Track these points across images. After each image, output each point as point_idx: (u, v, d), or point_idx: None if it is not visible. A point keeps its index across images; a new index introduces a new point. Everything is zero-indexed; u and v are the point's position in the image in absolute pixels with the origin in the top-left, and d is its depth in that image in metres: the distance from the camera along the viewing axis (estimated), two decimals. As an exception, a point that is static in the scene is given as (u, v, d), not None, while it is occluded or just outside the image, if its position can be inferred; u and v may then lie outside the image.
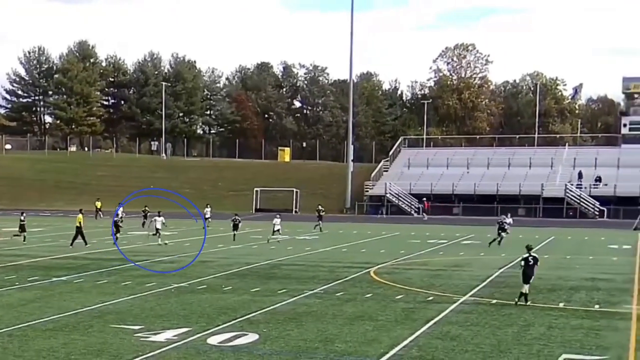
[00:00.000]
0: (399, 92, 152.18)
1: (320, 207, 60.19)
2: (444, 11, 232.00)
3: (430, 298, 26.12)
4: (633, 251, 44.76)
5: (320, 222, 58.51)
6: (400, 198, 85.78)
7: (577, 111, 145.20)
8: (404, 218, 78.83)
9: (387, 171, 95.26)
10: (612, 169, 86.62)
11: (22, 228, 46.63)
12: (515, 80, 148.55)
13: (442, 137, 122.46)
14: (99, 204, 72.72)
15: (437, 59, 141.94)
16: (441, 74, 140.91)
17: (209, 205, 62.70)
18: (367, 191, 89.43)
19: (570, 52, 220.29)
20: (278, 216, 49.74)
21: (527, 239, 50.82)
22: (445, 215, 77.91)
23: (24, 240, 45.63)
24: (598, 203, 79.46)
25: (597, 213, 78.75)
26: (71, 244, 42.94)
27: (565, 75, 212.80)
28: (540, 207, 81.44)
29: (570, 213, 79.61)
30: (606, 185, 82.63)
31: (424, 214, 78.79)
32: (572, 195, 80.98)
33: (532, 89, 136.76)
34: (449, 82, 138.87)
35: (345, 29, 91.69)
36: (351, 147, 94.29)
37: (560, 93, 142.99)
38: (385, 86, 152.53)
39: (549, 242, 50.58)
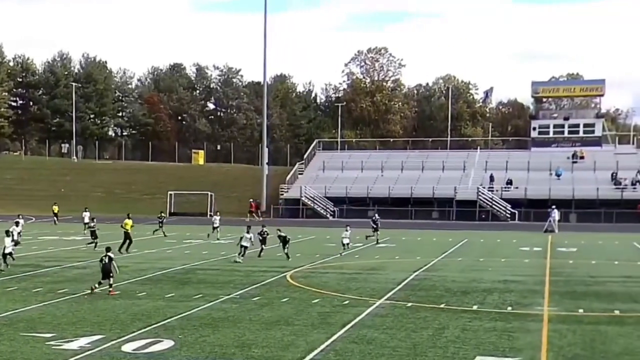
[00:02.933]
0: (313, 94, 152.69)
1: (162, 214, 59.43)
2: (358, 15, 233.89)
3: (347, 302, 26.28)
4: (544, 253, 45.65)
5: (161, 227, 55.83)
6: (315, 201, 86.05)
7: (488, 115, 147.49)
8: (320, 221, 79.08)
9: (302, 174, 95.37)
10: (523, 172, 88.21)
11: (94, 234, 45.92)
12: (428, 84, 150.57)
13: (356, 140, 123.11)
14: (56, 209, 70.63)
15: (350, 62, 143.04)
16: (354, 77, 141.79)
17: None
18: (283, 194, 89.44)
19: (482, 57, 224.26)
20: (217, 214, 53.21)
21: (441, 241, 52.09)
22: (360, 218, 78.42)
23: (95, 247, 43.97)
24: (509, 206, 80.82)
25: (508, 215, 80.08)
26: None
27: (476, 79, 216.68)
28: (453, 210, 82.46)
29: (483, 216, 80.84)
30: (517, 188, 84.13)
31: (255, 215, 79.27)
32: (484, 198, 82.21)
33: (444, 92, 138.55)
34: (362, 85, 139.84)
35: (259, 30, 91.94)
36: (266, 150, 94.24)
37: (471, 97, 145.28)
38: (300, 89, 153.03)
39: (462, 244, 51.27)
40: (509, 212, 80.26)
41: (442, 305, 25.71)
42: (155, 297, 26.91)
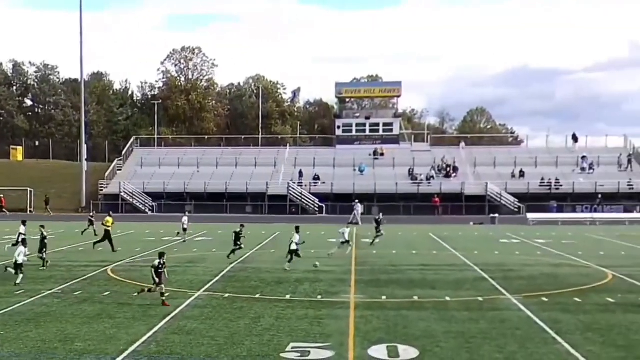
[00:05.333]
0: (130, 92, 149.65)
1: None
2: (173, 15, 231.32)
3: (167, 294, 26.15)
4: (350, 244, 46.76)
5: None
6: (134, 197, 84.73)
7: (296, 114, 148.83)
8: (139, 216, 78.01)
9: (120, 170, 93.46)
10: (329, 168, 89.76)
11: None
12: (239, 84, 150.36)
13: (172, 137, 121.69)
14: None
15: (165, 60, 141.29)
16: (170, 76, 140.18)
17: None
18: (102, 190, 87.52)
19: (289, 59, 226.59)
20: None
21: (255, 234, 52.38)
22: (178, 213, 77.71)
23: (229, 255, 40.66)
24: (317, 200, 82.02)
25: (317, 209, 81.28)
26: None
27: (285, 79, 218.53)
28: (265, 205, 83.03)
29: (293, 210, 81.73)
30: (324, 183, 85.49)
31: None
32: (294, 193, 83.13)
33: (255, 92, 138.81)
34: (177, 84, 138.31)
35: (77, 28, 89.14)
36: (84, 146, 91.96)
37: (280, 96, 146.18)
38: (117, 86, 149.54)
39: (275, 237, 51.84)
40: (317, 206, 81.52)
41: (257, 296, 26.00)
42: (-25, 294, 25.89)
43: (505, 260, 36.79)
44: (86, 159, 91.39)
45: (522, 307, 23.66)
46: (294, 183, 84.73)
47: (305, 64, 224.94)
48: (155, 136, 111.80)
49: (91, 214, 55.67)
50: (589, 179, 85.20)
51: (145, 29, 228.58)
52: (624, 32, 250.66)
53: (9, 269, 29.81)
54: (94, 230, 51.21)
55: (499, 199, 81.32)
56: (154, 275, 24.53)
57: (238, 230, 38.67)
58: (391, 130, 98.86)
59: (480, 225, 68.37)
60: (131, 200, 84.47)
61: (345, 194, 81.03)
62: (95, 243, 42.74)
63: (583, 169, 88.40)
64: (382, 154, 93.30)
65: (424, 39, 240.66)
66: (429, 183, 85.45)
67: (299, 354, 17.57)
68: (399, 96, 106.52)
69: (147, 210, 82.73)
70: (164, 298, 24.01)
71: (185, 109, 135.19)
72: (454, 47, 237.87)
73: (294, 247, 34.19)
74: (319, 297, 25.95)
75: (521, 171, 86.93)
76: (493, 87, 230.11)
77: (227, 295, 26.21)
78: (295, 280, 29.92)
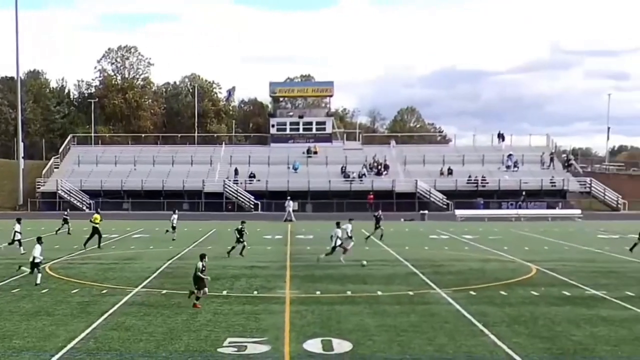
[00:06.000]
0: (66, 90, 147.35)
1: None
2: (109, 14, 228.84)
3: (105, 291, 25.90)
4: (284, 240, 46.81)
5: None
6: (72, 194, 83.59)
7: (231, 112, 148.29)
8: (76, 214, 76.84)
9: (57, 168, 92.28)
10: (264, 166, 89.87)
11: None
12: (175, 82, 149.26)
13: (109, 135, 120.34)
14: None
15: (101, 59, 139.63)
16: (106, 74, 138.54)
17: None
18: (39, 188, 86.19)
19: (224, 58, 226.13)
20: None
21: (192, 231, 52.11)
22: (116, 210, 76.92)
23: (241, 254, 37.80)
24: (253, 197, 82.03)
25: (252, 206, 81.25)
26: None
27: (220, 79, 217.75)
28: (202, 202, 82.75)
29: (229, 207, 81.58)
30: (259, 181, 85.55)
31: None
32: (230, 190, 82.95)
33: (190, 91, 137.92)
34: (114, 83, 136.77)
35: (12, 26, 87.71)
36: (21, 145, 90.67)
37: (216, 95, 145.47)
38: (53, 84, 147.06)
39: (212, 233, 51.61)
40: (253, 203, 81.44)
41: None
42: None
43: (435, 256, 37.18)
44: (23, 157, 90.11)
45: (451, 301, 23.95)
46: (230, 181, 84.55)
47: (239, 64, 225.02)
48: (92, 134, 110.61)
49: (65, 213, 54.65)
50: (513, 177, 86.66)
51: (82, 27, 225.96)
52: (545, 34, 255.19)
53: (22, 267, 29.14)
54: (68, 229, 50.65)
55: (428, 196, 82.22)
56: (195, 279, 23.45)
57: (240, 227, 38.17)
58: (324, 129, 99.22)
59: (410, 221, 68.92)
60: (68, 198, 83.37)
61: (280, 191, 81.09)
62: (84, 243, 41.96)
63: (508, 167, 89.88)
64: (315, 152, 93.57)
65: (355, 40, 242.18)
66: (361, 181, 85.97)
67: (236, 349, 17.53)
68: (331, 96, 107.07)
69: (84, 207, 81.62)
70: (197, 302, 23.16)
71: (122, 108, 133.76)
72: (385, 48, 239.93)
73: (338, 242, 34.75)
74: (255, 292, 25.92)
75: (449, 169, 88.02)
76: (422, 87, 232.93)
77: (164, 291, 26.02)
78: (232, 276, 29.83)
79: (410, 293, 25.77)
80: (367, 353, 17.23)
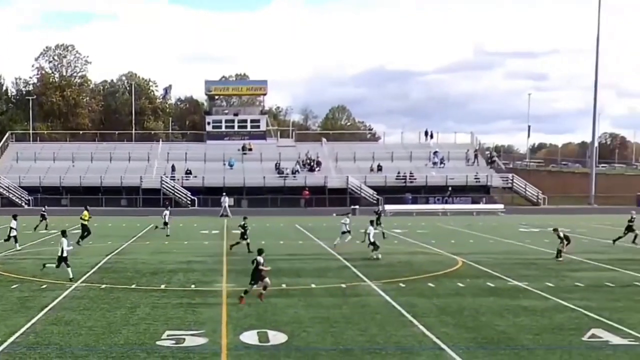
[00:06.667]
0: (4, 87, 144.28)
1: None
2: (47, 12, 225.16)
3: (45, 286, 25.54)
4: (221, 235, 46.64)
5: None
6: (10, 191, 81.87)
7: (168, 110, 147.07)
8: (15, 210, 75.34)
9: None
10: (200, 163, 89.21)
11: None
12: (113, 80, 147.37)
13: (48, 132, 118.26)
14: None
15: (39, 57, 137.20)
16: (44, 72, 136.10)
17: None
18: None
19: (160, 57, 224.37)
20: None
21: (131, 227, 51.58)
22: (55, 206, 75.52)
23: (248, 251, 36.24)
24: (189, 193, 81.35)
25: (189, 202, 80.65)
26: None
27: (156, 77, 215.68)
28: (140, 198, 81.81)
29: (167, 203, 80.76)
30: (196, 177, 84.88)
31: None
32: (167, 187, 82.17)
33: (128, 88, 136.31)
34: (51, 80, 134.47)
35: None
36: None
37: (153, 93, 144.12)
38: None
39: (150, 229, 51.11)
40: (190, 199, 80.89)
41: (133, 286, 25.68)
42: None
43: (365, 249, 37.38)
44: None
45: (382, 293, 24.18)
46: (167, 177, 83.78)
47: (176, 63, 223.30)
48: (31, 131, 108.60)
49: (43, 209, 53.42)
50: (440, 173, 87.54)
51: (19, 26, 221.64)
52: (469, 37, 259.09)
53: (47, 265, 28.63)
54: (46, 225, 49.86)
55: (359, 192, 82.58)
56: (254, 274, 22.80)
57: (243, 223, 37.76)
58: (258, 126, 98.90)
59: (341, 216, 68.91)
60: (7, 194, 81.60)
61: (216, 187, 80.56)
62: (78, 241, 41.04)
63: (435, 164, 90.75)
64: (250, 149, 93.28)
65: (289, 40, 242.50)
66: (295, 177, 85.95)
67: (174, 342, 17.48)
68: (265, 94, 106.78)
69: (23, 204, 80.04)
70: (263, 292, 22.73)
71: (60, 105, 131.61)
72: (317, 49, 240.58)
73: (371, 238, 34.33)
74: (193, 286, 25.83)
75: (379, 165, 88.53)
76: (353, 86, 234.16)
77: (104, 286, 25.78)
78: (170, 271, 29.68)
79: (343, 285, 25.94)
80: (302, 344, 17.32)
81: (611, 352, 16.53)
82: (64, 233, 28.29)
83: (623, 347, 16.96)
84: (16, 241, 37.59)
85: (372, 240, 34.49)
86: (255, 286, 22.71)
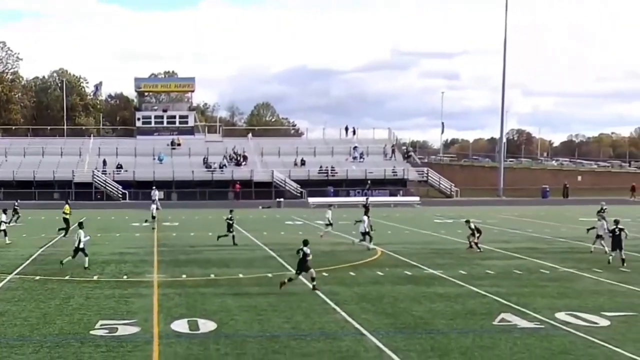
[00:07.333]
0: None
1: None
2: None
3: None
4: (153, 227, 46.13)
5: None
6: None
7: (99, 106, 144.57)
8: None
9: None
10: (131, 157, 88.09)
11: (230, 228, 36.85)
12: (44, 77, 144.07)
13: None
14: None
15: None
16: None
17: None
18: None
19: (91, 54, 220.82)
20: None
21: (72, 219, 50.39)
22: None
23: (234, 243, 35.94)
24: (121, 187, 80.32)
25: (120, 196, 79.59)
26: None
27: (87, 74, 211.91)
28: (72, 192, 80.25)
29: (99, 196, 79.61)
30: (126, 171, 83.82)
31: None
32: (99, 181, 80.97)
33: (59, 85, 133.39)
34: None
35: None
36: None
37: (84, 90, 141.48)
38: None
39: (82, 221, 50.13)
40: (121, 192, 79.82)
41: (67, 277, 25.27)
42: None
43: (290, 240, 37.46)
44: None
45: (306, 282, 24.24)
46: (99, 171, 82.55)
47: (106, 60, 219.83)
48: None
49: (16, 203, 51.42)
50: (360, 167, 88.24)
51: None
52: (386, 37, 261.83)
53: (64, 261, 27.77)
54: (17, 218, 48.22)
55: (283, 185, 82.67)
56: (300, 264, 22.55)
57: (229, 215, 37.14)
58: (187, 122, 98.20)
59: (268, 208, 69.17)
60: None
61: (146, 181, 79.76)
62: (64, 234, 40.20)
63: (355, 158, 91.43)
64: (179, 144, 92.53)
65: (215, 38, 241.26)
66: (222, 171, 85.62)
67: (108, 331, 17.30)
68: (192, 91, 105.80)
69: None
70: (287, 282, 22.52)
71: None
72: (243, 47, 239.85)
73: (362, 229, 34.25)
74: (125, 277, 25.57)
75: (302, 160, 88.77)
76: (277, 84, 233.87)
77: (38, 277, 25.34)
78: (103, 262, 29.30)
79: (269, 275, 25.98)
80: (230, 332, 17.31)
81: (519, 335, 16.94)
82: (80, 225, 27.94)
83: (529, 330, 17.40)
84: (5, 235, 36.50)
85: (366, 230, 34.50)
86: (300, 276, 22.67)
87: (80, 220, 28.79)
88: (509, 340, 16.35)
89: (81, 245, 27.03)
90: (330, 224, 39.73)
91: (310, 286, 22.62)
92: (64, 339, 16.63)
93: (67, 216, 41.49)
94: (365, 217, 35.68)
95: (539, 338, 16.57)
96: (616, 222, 28.89)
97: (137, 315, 19.11)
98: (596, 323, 18.09)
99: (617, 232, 28.58)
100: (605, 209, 43.74)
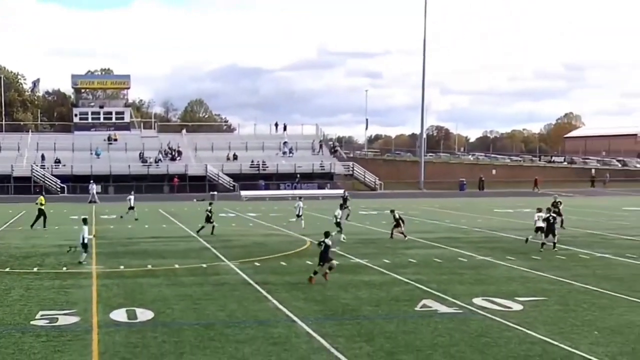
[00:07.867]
0: None
1: None
2: None
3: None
4: (90, 220, 45.07)
5: None
6: None
7: (37, 102, 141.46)
8: None
9: None
10: (69, 152, 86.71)
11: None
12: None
13: None
14: None
15: None
16: None
17: None
18: None
19: (29, 51, 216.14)
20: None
21: (2, 213, 49.36)
22: None
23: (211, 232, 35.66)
24: (59, 181, 78.89)
25: (59, 189, 78.11)
26: None
27: (25, 71, 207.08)
28: (11, 186, 78.52)
29: (37, 190, 77.83)
30: (65, 166, 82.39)
31: None
32: (37, 175, 79.32)
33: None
34: None
35: None
36: None
37: (21, 86, 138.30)
38: None
39: (21, 215, 49.12)
40: (60, 186, 78.35)
41: (7, 270, 24.76)
42: None
43: (224, 232, 37.37)
44: None
45: (239, 271, 24.30)
46: (37, 166, 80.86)
47: (43, 57, 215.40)
48: None
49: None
50: (289, 161, 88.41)
51: None
52: (313, 37, 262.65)
53: (72, 248, 27.64)
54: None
55: (217, 179, 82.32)
56: (323, 255, 22.22)
57: (209, 207, 37.01)
58: (123, 118, 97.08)
59: (202, 201, 68.58)
60: None
61: (84, 175, 78.65)
62: (43, 225, 39.46)
63: (284, 153, 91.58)
64: (115, 140, 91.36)
65: (150, 37, 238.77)
66: (157, 165, 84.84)
67: (48, 321, 17.04)
68: (128, 88, 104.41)
69: None
70: (328, 272, 22.37)
71: None
72: (177, 45, 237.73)
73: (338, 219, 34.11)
74: (64, 268, 25.17)
75: (234, 155, 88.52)
76: (209, 81, 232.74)
77: (-21, 270, 24.72)
78: (42, 254, 28.79)
79: (204, 265, 25.89)
80: (168, 320, 17.24)
81: (439, 319, 17.27)
82: (85, 221, 27.25)
83: (449, 315, 17.75)
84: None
85: (338, 221, 34.43)
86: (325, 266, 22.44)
87: (84, 217, 28.22)
88: (430, 325, 16.64)
89: (85, 241, 26.41)
90: (300, 215, 39.75)
91: (242, 275, 22.60)
92: (5, 329, 16.32)
93: (42, 207, 40.62)
94: (339, 210, 36.09)
95: (458, 322, 16.91)
96: (551, 210, 30.26)
97: (77, 305, 18.85)
98: (510, 308, 18.55)
99: (552, 220, 29.91)
100: (560, 201, 39.85)
